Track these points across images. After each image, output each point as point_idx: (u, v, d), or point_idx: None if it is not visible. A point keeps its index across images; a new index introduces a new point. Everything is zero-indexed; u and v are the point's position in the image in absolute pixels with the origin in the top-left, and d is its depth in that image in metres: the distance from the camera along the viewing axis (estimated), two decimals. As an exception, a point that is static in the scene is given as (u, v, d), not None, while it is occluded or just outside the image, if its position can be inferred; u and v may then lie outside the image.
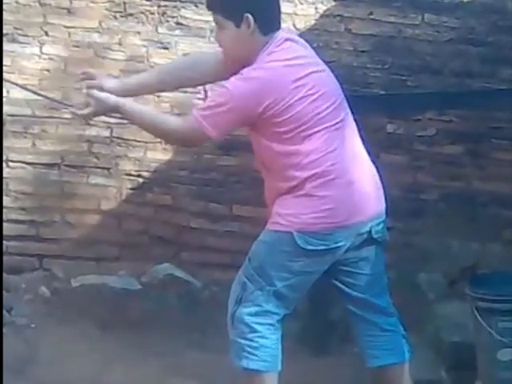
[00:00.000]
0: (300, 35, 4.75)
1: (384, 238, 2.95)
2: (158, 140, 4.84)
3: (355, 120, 2.97)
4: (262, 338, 2.84)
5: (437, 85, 4.83)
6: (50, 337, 4.15)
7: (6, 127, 4.76)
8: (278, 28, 2.88)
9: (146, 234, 4.83)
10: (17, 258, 4.78)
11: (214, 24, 4.81)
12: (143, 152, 4.85)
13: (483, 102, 4.75)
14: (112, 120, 4.79)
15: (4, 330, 3.93)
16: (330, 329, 4.25)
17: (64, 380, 3.67)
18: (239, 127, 2.90)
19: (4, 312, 4.29)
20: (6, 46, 4.72)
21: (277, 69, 2.78)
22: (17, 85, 4.69)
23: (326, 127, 2.78)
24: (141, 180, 4.86)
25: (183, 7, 4.85)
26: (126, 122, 4.79)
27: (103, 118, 4.75)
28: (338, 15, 4.85)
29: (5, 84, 4.68)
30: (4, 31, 4.72)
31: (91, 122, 4.82)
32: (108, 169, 4.85)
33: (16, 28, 4.78)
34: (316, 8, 4.84)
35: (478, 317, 3.35)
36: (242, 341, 2.84)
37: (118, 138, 4.84)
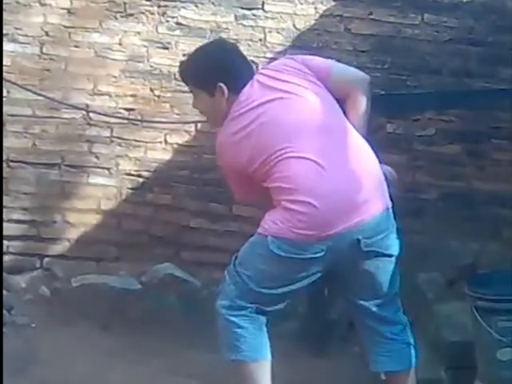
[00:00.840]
0: (300, 35, 4.82)
1: (384, 251, 2.92)
2: (158, 140, 4.86)
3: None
4: (239, 328, 2.91)
5: (436, 85, 4.83)
6: (50, 337, 4.15)
7: (6, 127, 4.77)
8: (250, 79, 2.99)
9: (145, 234, 4.83)
10: (17, 258, 4.78)
11: (214, 24, 4.91)
12: (143, 152, 4.85)
13: (483, 102, 4.75)
14: (112, 120, 4.81)
15: (4, 330, 3.94)
16: (329, 329, 4.25)
17: (64, 380, 3.67)
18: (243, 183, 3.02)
19: (4, 312, 4.30)
20: (6, 46, 4.73)
21: (225, 144, 2.98)
22: (17, 85, 4.70)
23: (293, 153, 2.84)
24: (141, 180, 4.87)
25: (183, 7, 4.85)
26: (126, 121, 4.83)
27: (103, 117, 4.80)
28: (338, 15, 4.85)
29: (5, 84, 4.70)
30: (4, 31, 4.73)
31: (91, 122, 4.85)
32: (108, 169, 4.85)
33: (16, 28, 4.79)
34: (316, 8, 4.84)
35: (478, 316, 3.34)
36: (223, 333, 2.94)
37: (118, 137, 4.84)
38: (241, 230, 4.61)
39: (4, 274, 4.55)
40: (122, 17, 4.84)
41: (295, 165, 2.83)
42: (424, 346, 3.65)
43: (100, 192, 4.84)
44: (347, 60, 4.72)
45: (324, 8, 4.84)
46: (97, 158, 4.85)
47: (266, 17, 4.85)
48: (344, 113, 3.01)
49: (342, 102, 3.05)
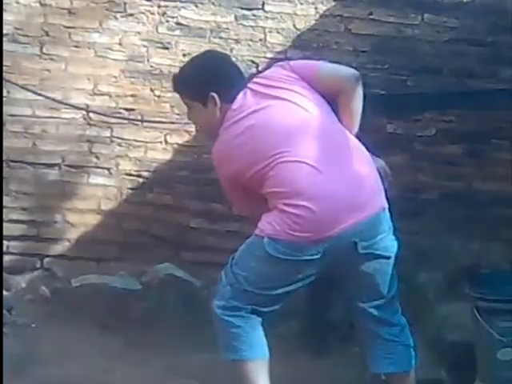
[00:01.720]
0: (300, 35, 4.82)
1: (382, 253, 2.92)
2: (159, 140, 4.86)
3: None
4: (235, 327, 2.93)
5: (436, 85, 4.83)
6: (50, 337, 4.15)
7: (6, 127, 4.76)
8: (243, 88, 3.00)
9: (146, 234, 4.83)
10: (17, 258, 4.78)
11: (214, 24, 4.91)
12: (143, 152, 4.85)
13: (483, 102, 4.76)
14: (112, 120, 4.81)
15: (4, 330, 3.94)
16: (329, 329, 4.25)
17: (64, 380, 3.67)
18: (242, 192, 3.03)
19: (4, 312, 4.30)
20: (6, 46, 4.73)
21: (221, 153, 2.99)
22: (17, 85, 4.71)
23: (286, 157, 2.85)
24: (141, 180, 4.86)
25: (183, 7, 4.85)
26: (126, 121, 4.83)
27: (103, 117, 4.80)
28: (338, 15, 4.85)
29: (5, 84, 4.70)
30: (4, 31, 4.73)
31: (91, 122, 4.85)
32: (108, 169, 4.85)
33: (16, 28, 4.79)
34: (316, 8, 4.85)
35: (478, 316, 3.35)
36: (220, 332, 2.95)
37: (118, 137, 4.84)
38: (241, 231, 4.60)
39: (4, 274, 4.55)
40: (122, 17, 4.84)
41: (290, 169, 2.85)
42: (424, 347, 3.66)
43: (100, 192, 4.84)
44: (347, 60, 4.71)
45: (324, 8, 4.85)
46: (97, 158, 4.85)
47: (266, 17, 4.85)
48: (336, 113, 3.01)
49: (333, 102, 3.05)
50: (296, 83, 2.97)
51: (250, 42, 4.85)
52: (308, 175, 2.83)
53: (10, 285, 4.61)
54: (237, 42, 4.84)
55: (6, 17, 4.72)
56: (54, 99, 4.76)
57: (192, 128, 4.79)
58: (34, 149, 4.83)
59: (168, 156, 4.87)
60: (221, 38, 4.84)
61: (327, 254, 2.83)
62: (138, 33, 4.85)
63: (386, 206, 2.95)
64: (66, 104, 4.78)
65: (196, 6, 4.86)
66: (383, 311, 3.00)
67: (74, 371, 3.75)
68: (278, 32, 4.85)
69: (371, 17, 4.86)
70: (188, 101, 3.10)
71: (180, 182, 4.86)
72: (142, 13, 4.84)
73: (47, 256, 4.82)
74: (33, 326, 4.36)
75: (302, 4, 4.85)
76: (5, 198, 4.72)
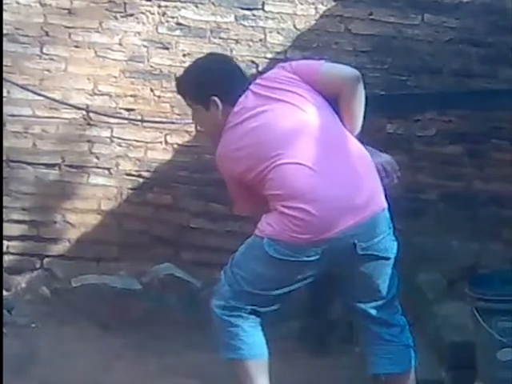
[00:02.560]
0: (300, 35, 4.82)
1: (381, 254, 2.92)
2: (159, 140, 4.86)
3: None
4: (233, 327, 2.93)
5: (436, 85, 4.84)
6: (50, 337, 4.15)
7: (6, 127, 4.76)
8: (245, 90, 3.00)
9: (146, 234, 4.83)
10: (17, 258, 4.78)
11: (214, 24, 4.91)
12: (143, 152, 4.85)
13: (483, 102, 4.75)
14: (112, 120, 4.81)
15: (4, 330, 3.94)
16: (330, 329, 4.25)
17: (64, 380, 3.67)
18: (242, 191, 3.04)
19: (4, 312, 4.30)
20: (6, 46, 4.73)
21: (223, 155, 3.01)
22: (17, 85, 4.70)
23: (283, 159, 2.86)
24: (141, 180, 4.86)
25: (183, 7, 4.85)
26: (126, 122, 4.83)
27: (103, 117, 4.80)
28: (338, 15, 4.85)
29: (5, 84, 4.69)
30: (4, 31, 4.73)
31: (91, 122, 4.85)
32: (108, 169, 4.85)
33: (16, 28, 4.78)
34: (316, 8, 4.84)
35: (478, 317, 3.34)
36: (219, 332, 2.96)
37: (118, 138, 4.84)
38: (241, 231, 4.60)
39: (4, 274, 4.55)
40: (121, 17, 4.84)
41: (289, 171, 2.85)
42: (424, 347, 3.66)
43: (100, 192, 4.84)
44: (347, 60, 4.71)
45: (324, 8, 4.85)
46: (97, 158, 4.85)
47: (266, 17, 4.85)
48: (337, 112, 3.01)
49: (335, 103, 3.05)
50: (297, 84, 2.97)
51: (250, 43, 4.85)
52: (306, 177, 2.83)
53: (10, 285, 4.62)
54: (237, 42, 4.84)
55: (6, 17, 4.72)
56: (54, 99, 4.76)
57: (192, 128, 4.80)
58: (34, 149, 4.82)
59: (168, 156, 4.87)
60: (221, 38, 4.84)
61: (326, 255, 2.83)
62: (138, 33, 4.85)
63: (386, 206, 2.94)
64: (66, 104, 4.78)
65: (196, 6, 4.86)
66: (383, 312, 3.00)
67: (73, 371, 3.76)
68: (278, 32, 4.85)
69: (371, 17, 4.85)
70: (191, 103, 3.12)
71: (180, 182, 4.86)
72: (142, 13, 4.84)
73: (47, 256, 4.81)
74: (33, 325, 4.36)
75: (302, 4, 4.85)
76: (5, 198, 4.72)
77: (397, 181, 3.07)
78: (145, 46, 4.85)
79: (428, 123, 4.87)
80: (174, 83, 4.70)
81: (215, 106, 3.01)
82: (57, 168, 4.83)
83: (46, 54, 4.82)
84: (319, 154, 2.87)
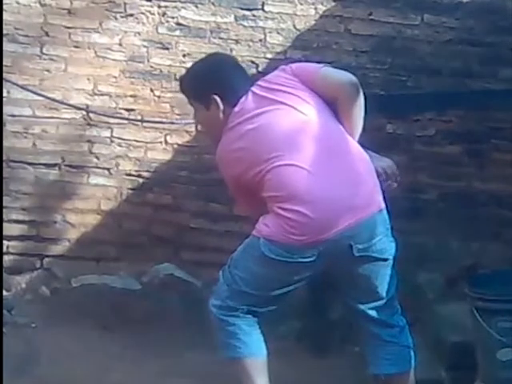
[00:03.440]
0: (300, 36, 4.82)
1: (378, 256, 2.91)
2: (159, 140, 4.86)
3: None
4: (231, 326, 2.95)
5: (436, 85, 4.84)
6: (50, 337, 4.15)
7: (6, 127, 4.77)
8: (247, 91, 3.00)
9: (145, 234, 4.83)
10: (17, 258, 4.78)
11: (214, 24, 4.91)
12: (143, 152, 4.85)
13: (483, 102, 4.76)
14: (112, 120, 4.81)
15: (4, 330, 3.94)
16: (330, 329, 4.25)
17: (64, 380, 3.67)
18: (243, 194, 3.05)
19: (4, 312, 4.30)
20: (6, 46, 4.73)
21: (223, 155, 3.01)
22: (17, 85, 4.71)
23: (281, 161, 2.86)
24: (141, 180, 4.87)
25: (183, 7, 4.85)
26: (126, 122, 4.83)
27: (103, 118, 4.80)
28: (338, 16, 4.85)
29: (5, 84, 4.69)
30: (4, 31, 4.73)
31: (91, 122, 4.85)
32: (108, 169, 4.85)
33: (16, 28, 4.79)
34: (316, 8, 4.85)
35: (478, 317, 3.35)
36: (216, 331, 2.97)
37: (118, 138, 4.84)
38: (241, 231, 4.59)
39: (4, 274, 4.55)
40: (121, 17, 4.84)
41: (286, 173, 2.86)
42: (424, 347, 3.66)
43: (100, 192, 4.84)
44: (347, 60, 4.74)
45: (324, 8, 4.85)
46: (97, 158, 4.85)
47: (266, 17, 4.85)
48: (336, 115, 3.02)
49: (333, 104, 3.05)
50: (296, 86, 2.97)
51: (250, 43, 4.85)
52: (303, 179, 2.84)
53: (10, 285, 4.62)
54: (237, 42, 4.84)
55: (6, 17, 4.72)
56: (54, 99, 4.76)
57: (192, 128, 4.80)
58: (34, 149, 4.83)
59: (168, 156, 4.87)
60: (221, 38, 4.84)
61: (322, 256, 2.83)
62: (138, 33, 4.85)
63: (384, 207, 2.94)
64: (66, 104, 4.78)
65: (196, 7, 4.86)
66: (382, 313, 3.01)
67: (73, 371, 3.76)
68: (278, 32, 4.85)
69: (371, 17, 4.85)
70: (193, 102, 3.13)
71: (180, 182, 4.86)
72: (142, 13, 4.85)
73: (47, 256, 4.82)
74: (33, 325, 4.36)
75: (301, 4, 4.86)
76: (5, 198, 4.72)
77: (396, 185, 3.07)
78: (145, 46, 4.85)
79: (428, 123, 4.87)
80: (174, 83, 4.78)
81: (216, 105, 3.01)
82: (57, 168, 4.83)
83: (46, 54, 4.82)
84: (317, 155, 2.87)
